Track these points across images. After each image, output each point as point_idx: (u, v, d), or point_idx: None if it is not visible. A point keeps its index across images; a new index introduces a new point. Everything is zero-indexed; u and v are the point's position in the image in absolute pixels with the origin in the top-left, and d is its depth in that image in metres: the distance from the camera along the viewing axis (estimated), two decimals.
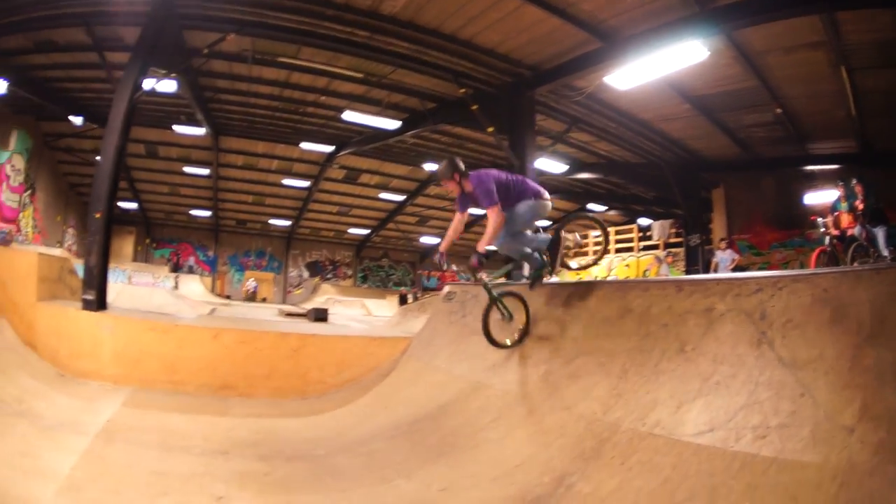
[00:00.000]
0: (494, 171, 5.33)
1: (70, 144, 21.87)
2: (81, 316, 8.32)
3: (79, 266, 10.71)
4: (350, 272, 34.49)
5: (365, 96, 14.84)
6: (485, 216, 5.06)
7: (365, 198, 26.30)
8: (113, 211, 8.95)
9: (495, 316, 5.28)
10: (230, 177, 24.21)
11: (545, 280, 5.57)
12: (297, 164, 22.56)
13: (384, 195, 25.76)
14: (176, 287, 24.69)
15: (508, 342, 5.34)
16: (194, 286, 26.30)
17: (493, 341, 5.27)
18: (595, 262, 6.98)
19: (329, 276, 33.71)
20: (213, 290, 28.45)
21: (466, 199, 5.35)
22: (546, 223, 6.08)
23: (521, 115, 12.42)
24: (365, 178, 23.67)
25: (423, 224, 30.14)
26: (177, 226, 31.60)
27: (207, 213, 28.88)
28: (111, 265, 18.66)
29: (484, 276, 5.29)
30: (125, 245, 29.40)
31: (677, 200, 17.72)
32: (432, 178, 22.31)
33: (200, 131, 18.37)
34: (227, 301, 24.14)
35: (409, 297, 25.53)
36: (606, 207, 23.56)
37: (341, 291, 29.69)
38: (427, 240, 32.57)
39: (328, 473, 4.40)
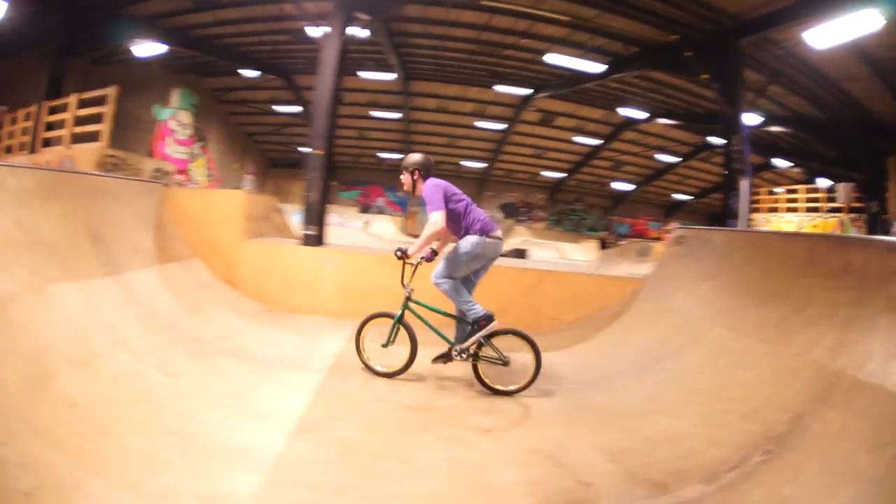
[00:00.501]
0: (450, 186, 5.96)
1: (243, 97, 26.34)
2: (300, 251, 9.59)
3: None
4: (544, 215, 37.73)
5: (567, 39, 16.47)
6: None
7: (560, 140, 28.86)
8: (332, 149, 10.87)
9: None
10: (421, 119, 27.59)
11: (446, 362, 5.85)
12: (490, 107, 25.28)
13: (579, 139, 28.14)
14: (366, 227, 27.92)
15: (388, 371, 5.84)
16: (385, 226, 29.32)
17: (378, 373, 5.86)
18: (517, 391, 5.64)
19: (523, 218, 36.95)
20: (403, 230, 31.22)
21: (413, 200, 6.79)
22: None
23: (730, 64, 13.68)
24: (560, 121, 26.14)
25: (618, 169, 32.61)
26: (365, 168, 35.93)
27: (397, 156, 31.61)
28: (295, 206, 24.07)
29: (409, 290, 5.86)
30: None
31: (857, 164, 19.00)
32: (628, 123, 24.65)
33: (390, 76, 21.28)
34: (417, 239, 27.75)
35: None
36: (792, 164, 25.04)
37: (535, 234, 31.86)
38: (620, 185, 35.16)
39: (586, 408, 5.09)
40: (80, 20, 15.65)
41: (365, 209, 34.53)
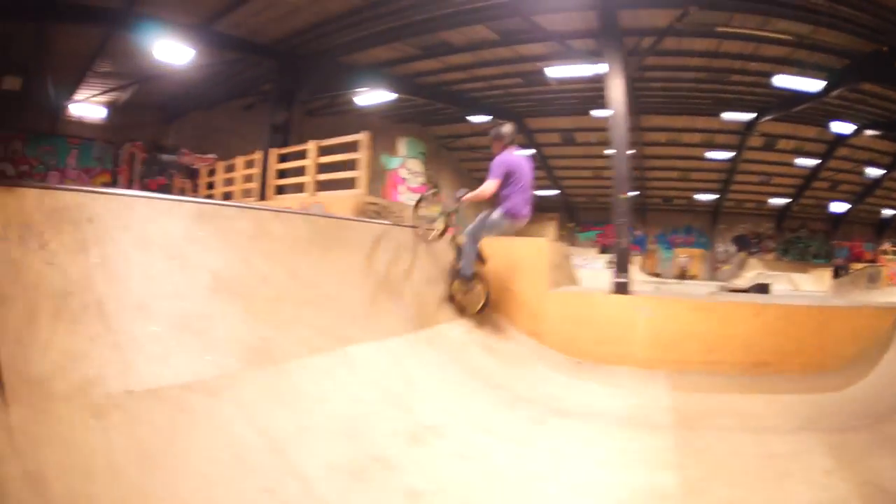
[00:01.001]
0: (518, 162, 7.29)
1: (472, 143, 27.26)
2: (612, 299, 9.31)
3: None
4: (772, 245, 35.83)
5: (788, 58, 16.08)
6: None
7: (782, 164, 27.55)
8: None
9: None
10: (653, 154, 27.23)
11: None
12: (717, 136, 24.59)
13: (799, 161, 26.79)
14: (608, 268, 26.46)
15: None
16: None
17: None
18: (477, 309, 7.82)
19: (755, 250, 35.30)
20: (643, 269, 30.11)
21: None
22: None
23: None
24: (781, 143, 25.04)
25: (834, 189, 30.55)
26: (601, 208, 33.83)
27: (633, 193, 32.88)
28: None
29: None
30: (547, 230, 33.02)
31: None
32: (840, 139, 23.30)
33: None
34: (658, 279, 26.93)
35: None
36: None
37: (766, 265, 30.62)
38: (837, 206, 32.66)
39: (887, 439, 4.70)
40: (303, 68, 16.71)
41: (604, 250, 33.39)
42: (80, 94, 19.96)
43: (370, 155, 12.60)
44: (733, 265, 33.68)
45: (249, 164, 16.08)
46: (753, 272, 27.83)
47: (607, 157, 25.49)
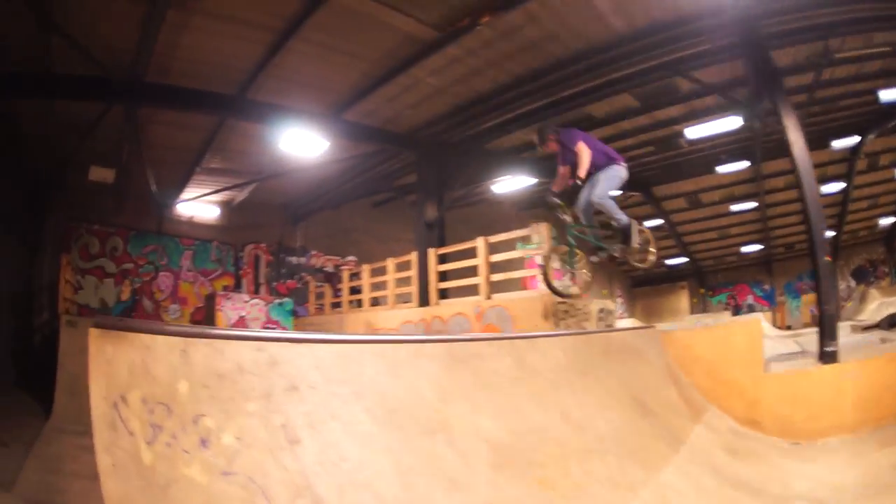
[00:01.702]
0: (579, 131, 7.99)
1: (603, 220, 27.71)
2: (822, 371, 9.01)
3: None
4: (886, 270, 33.65)
5: (888, 69, 14.60)
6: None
7: (884, 182, 25.66)
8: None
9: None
10: (774, 202, 26.02)
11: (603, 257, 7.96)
12: (828, 168, 22.88)
13: None
14: None
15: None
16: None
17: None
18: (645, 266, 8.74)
19: (872, 279, 33.41)
20: (774, 323, 29.66)
21: (564, 154, 7.93)
22: None
23: None
24: (882, 159, 23.07)
25: None
26: (728, 268, 34.84)
27: (757, 247, 31.39)
28: (669, 322, 23.37)
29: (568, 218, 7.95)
30: (680, 300, 34.04)
31: None
32: None
33: (742, 165, 20.06)
34: (791, 331, 24.68)
35: None
36: None
37: (884, 293, 28.86)
38: None
39: None
40: (447, 158, 15.67)
41: (735, 311, 33.03)
42: (189, 192, 18.77)
43: (549, 248, 11.19)
44: (855, 301, 31.49)
45: (403, 266, 14.95)
46: (875, 303, 25.95)
47: (732, 213, 26.09)
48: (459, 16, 10.49)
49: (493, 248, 12.56)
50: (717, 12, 10.53)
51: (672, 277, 33.69)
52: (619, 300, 32.11)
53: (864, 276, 33.95)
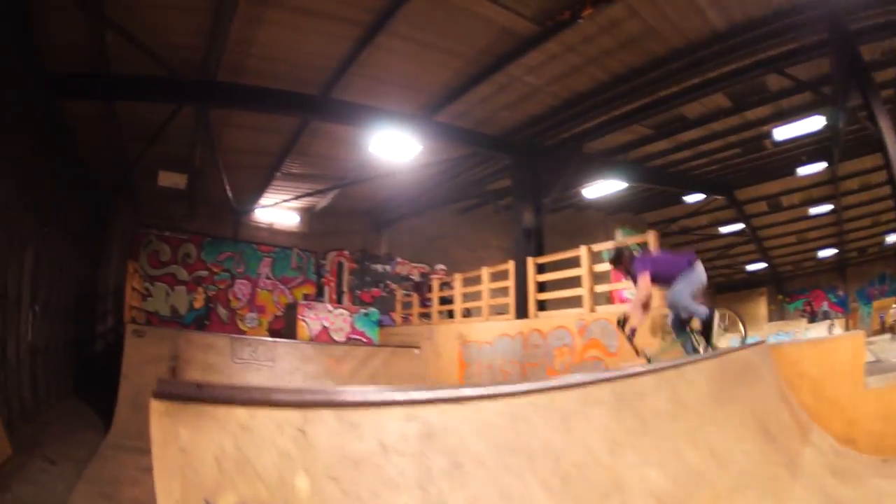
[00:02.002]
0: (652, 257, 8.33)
1: (685, 225, 25.77)
2: None
3: None
4: None
5: None
6: None
7: None
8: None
9: None
10: (849, 204, 24.88)
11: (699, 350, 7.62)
12: None
13: None
14: (831, 330, 26.16)
15: None
16: (835, 330, 26.95)
17: None
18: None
19: None
20: (846, 330, 28.16)
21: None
22: None
23: None
24: None
25: None
26: (805, 274, 33.80)
27: (831, 252, 30.53)
28: (748, 333, 22.44)
29: (646, 351, 8.00)
30: (759, 307, 32.95)
31: None
32: None
33: (821, 166, 19.29)
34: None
35: None
36: None
37: None
38: None
39: None
40: (542, 162, 14.79)
41: (811, 318, 32.01)
42: (268, 198, 18.31)
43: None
44: None
45: (498, 276, 14.25)
46: None
47: (810, 217, 25.30)
48: (560, 8, 9.81)
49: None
50: (812, 5, 9.93)
51: (751, 283, 32.72)
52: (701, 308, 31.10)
53: None
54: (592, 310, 11.27)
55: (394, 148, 13.17)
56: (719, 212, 24.63)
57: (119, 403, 10.01)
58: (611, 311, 11.21)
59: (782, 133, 15.42)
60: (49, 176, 10.66)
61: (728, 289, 34.46)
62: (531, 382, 3.37)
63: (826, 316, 32.17)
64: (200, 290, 17.88)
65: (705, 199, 21.84)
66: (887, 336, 23.16)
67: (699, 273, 7.97)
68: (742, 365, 6.67)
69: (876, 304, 30.69)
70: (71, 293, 13.04)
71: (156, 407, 2.02)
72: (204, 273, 18.26)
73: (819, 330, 26.42)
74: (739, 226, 25.32)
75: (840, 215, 25.69)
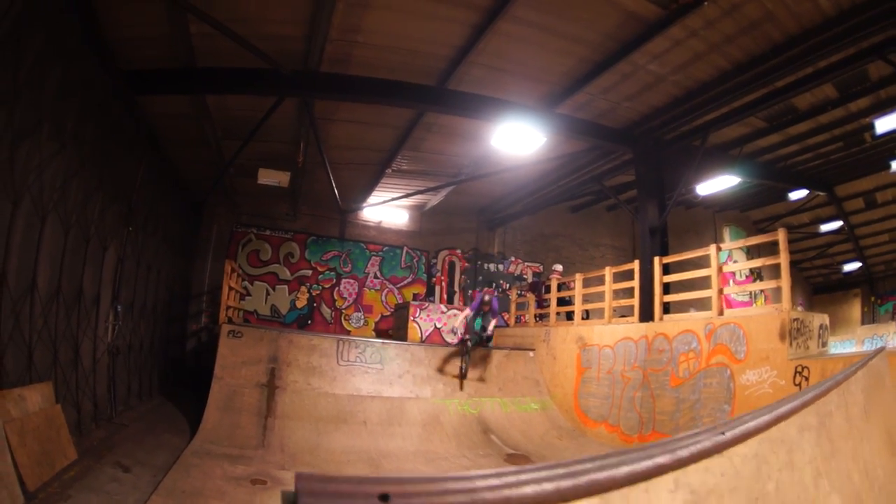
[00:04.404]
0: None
1: (788, 222, 24.81)
2: None
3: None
4: None
5: None
6: None
7: None
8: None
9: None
10: None
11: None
12: None
13: None
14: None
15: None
16: None
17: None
18: None
19: None
20: None
21: None
22: None
23: None
24: None
25: None
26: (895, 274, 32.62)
27: None
28: (842, 337, 21.55)
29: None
30: (852, 309, 31.79)
31: None
32: None
33: None
34: None
35: None
36: None
37: None
38: None
39: None
40: (664, 156, 14.34)
41: None
42: (377, 196, 18.18)
43: (788, 258, 10.07)
44: None
45: (622, 276, 13.69)
46: None
47: None
48: None
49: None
50: None
51: (846, 284, 31.53)
52: (800, 308, 30.29)
53: None
54: (721, 312, 10.73)
55: (516, 141, 12.84)
56: (820, 209, 23.95)
57: (209, 406, 9.83)
58: (739, 315, 10.78)
59: (884, 125, 14.77)
60: (132, 175, 10.66)
61: (823, 290, 33.61)
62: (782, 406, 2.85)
63: None
64: (304, 289, 17.91)
65: (807, 195, 21.25)
66: None
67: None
68: (874, 373, 6.07)
69: None
70: (162, 292, 13.11)
71: None
72: (308, 272, 18.30)
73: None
74: (838, 223, 24.58)
75: None
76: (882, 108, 14.29)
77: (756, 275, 23.48)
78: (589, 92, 12.24)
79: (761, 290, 24.75)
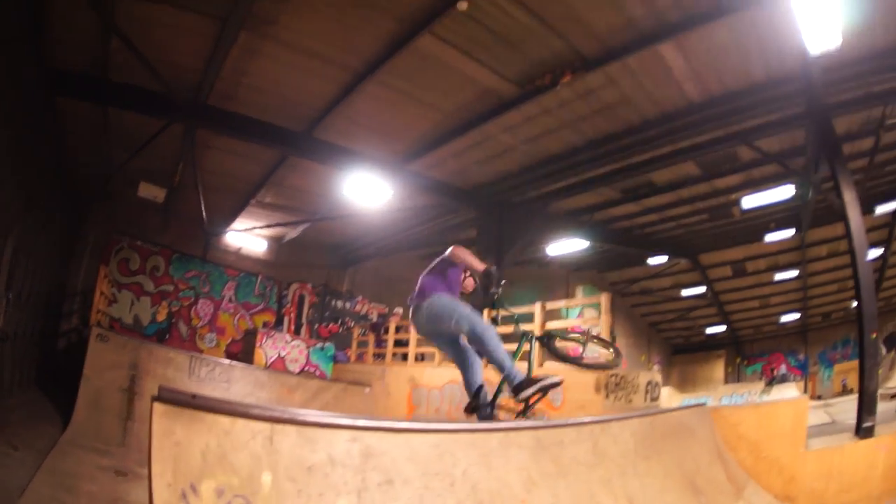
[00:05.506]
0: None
1: (647, 286, 26.06)
2: (858, 446, 9.15)
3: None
4: None
5: None
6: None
7: None
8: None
9: None
10: (815, 271, 25.11)
11: None
12: (869, 235, 22.76)
13: None
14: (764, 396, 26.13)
15: None
16: (792, 393, 27.07)
17: None
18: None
19: None
20: (805, 393, 28.72)
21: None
22: None
23: None
24: None
25: None
26: (766, 337, 34.03)
27: (795, 316, 30.79)
28: (701, 394, 22.51)
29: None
30: (715, 369, 33.08)
31: None
32: None
33: (789, 233, 19.47)
34: (822, 401, 25.21)
35: None
36: None
37: None
38: None
39: None
40: (508, 218, 15.00)
41: (769, 381, 31.68)
42: (240, 223, 18.40)
43: (611, 319, 11.00)
44: (885, 368, 28.50)
45: None
46: None
47: (775, 283, 25.43)
48: (541, 73, 10.16)
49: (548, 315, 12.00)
50: (787, 80, 10.22)
51: (710, 346, 33.13)
52: (657, 367, 31.55)
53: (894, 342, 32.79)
54: (540, 364, 11.33)
55: (366, 191, 13.44)
56: (682, 274, 24.81)
57: (78, 402, 10.07)
58: (557, 368, 11.25)
59: (750, 202, 15.70)
60: (37, 167, 10.69)
61: (685, 350, 34.81)
62: (459, 423, 4.19)
63: (784, 379, 32.23)
64: (165, 303, 17.85)
65: (668, 261, 22.03)
66: (847, 398, 24.40)
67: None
68: (674, 424, 6.88)
69: (837, 367, 31.17)
70: (43, 287, 13.08)
71: (157, 408, 2.52)
72: (170, 287, 18.23)
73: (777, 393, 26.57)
74: (701, 289, 25.58)
75: (805, 281, 25.97)
76: (754, 186, 15.17)
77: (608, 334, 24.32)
78: (442, 154, 12.91)
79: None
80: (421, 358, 15.20)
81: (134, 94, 10.75)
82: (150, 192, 14.91)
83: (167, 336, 17.78)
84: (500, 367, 5.36)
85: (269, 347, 16.61)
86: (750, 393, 26.90)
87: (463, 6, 8.43)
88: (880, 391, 20.69)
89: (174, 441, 2.47)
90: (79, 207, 16.30)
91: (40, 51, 9.42)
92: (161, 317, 17.83)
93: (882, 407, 13.36)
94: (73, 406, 10.03)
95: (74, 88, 10.46)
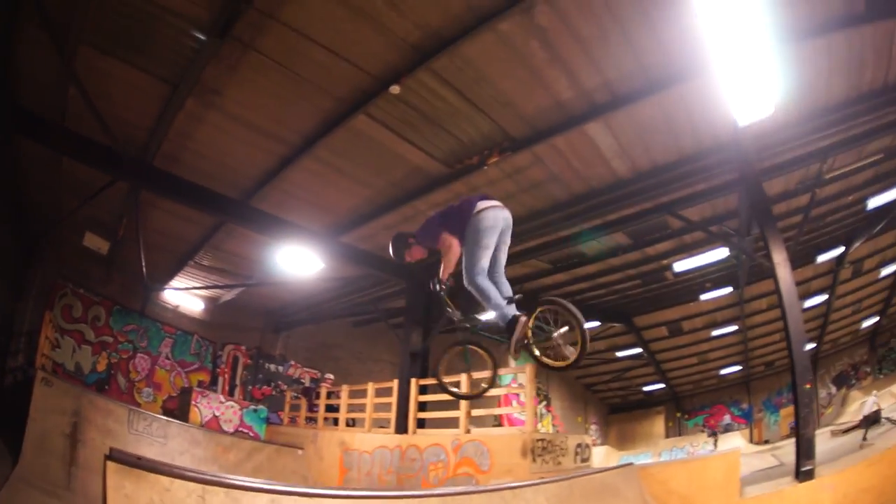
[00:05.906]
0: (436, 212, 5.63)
1: None
2: (798, 489, 9.44)
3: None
4: (868, 370, 33.16)
5: (877, 176, 14.11)
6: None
7: (868, 285, 25.28)
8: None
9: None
10: (755, 323, 25.69)
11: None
12: (812, 283, 22.38)
13: (884, 271, 24.00)
14: (715, 447, 27.77)
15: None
16: (737, 441, 28.64)
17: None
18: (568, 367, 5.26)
19: (853, 382, 32.98)
20: (751, 439, 30.51)
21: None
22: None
23: None
24: (867, 263, 22.62)
25: None
26: (706, 391, 34.72)
27: (736, 368, 31.35)
28: (640, 450, 23.06)
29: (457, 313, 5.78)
30: (655, 425, 33.86)
31: None
32: None
33: (725, 291, 19.98)
34: (769, 445, 26.35)
35: None
36: None
37: (866, 391, 27.70)
38: None
39: None
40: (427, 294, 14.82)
41: (712, 433, 32.97)
42: (178, 281, 18.71)
43: (534, 387, 11.67)
44: (836, 405, 31.59)
45: (383, 392, 14.89)
46: (855, 404, 26.06)
47: (713, 338, 25.97)
48: (470, 154, 10.76)
49: (475, 384, 12.21)
50: (717, 150, 10.74)
51: (648, 403, 33.71)
52: (594, 427, 32.12)
53: (845, 381, 33.81)
54: (467, 431, 11.98)
55: (299, 260, 13.90)
56: (617, 337, 25.30)
57: (26, 443, 10.23)
58: (483, 433, 12.00)
59: (682, 266, 16.45)
60: None
61: (623, 409, 35.26)
62: (366, 490, 4.60)
63: (727, 429, 33.28)
64: (105, 354, 17.83)
65: (602, 325, 22.45)
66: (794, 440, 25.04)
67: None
68: (597, 485, 7.20)
69: (783, 411, 32.31)
70: None
71: (110, 466, 3.17)
72: (110, 339, 18.25)
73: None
74: (637, 350, 26.03)
75: (745, 334, 26.55)
76: (686, 251, 15.80)
77: (543, 396, 25.43)
78: (372, 227, 13.43)
79: (547, 410, 26.62)
80: (352, 423, 15.53)
81: (85, 145, 10.78)
82: (95, 243, 15.20)
83: (107, 387, 17.76)
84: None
85: (204, 406, 16.82)
86: (692, 445, 28.16)
87: (395, 90, 8.95)
88: (831, 428, 21.74)
89: (124, 494, 3.08)
90: (30, 249, 16.40)
91: (6, 83, 9.64)
92: (101, 367, 17.83)
93: (834, 443, 14.68)
94: (21, 444, 10.18)
95: (33, 130, 10.47)
